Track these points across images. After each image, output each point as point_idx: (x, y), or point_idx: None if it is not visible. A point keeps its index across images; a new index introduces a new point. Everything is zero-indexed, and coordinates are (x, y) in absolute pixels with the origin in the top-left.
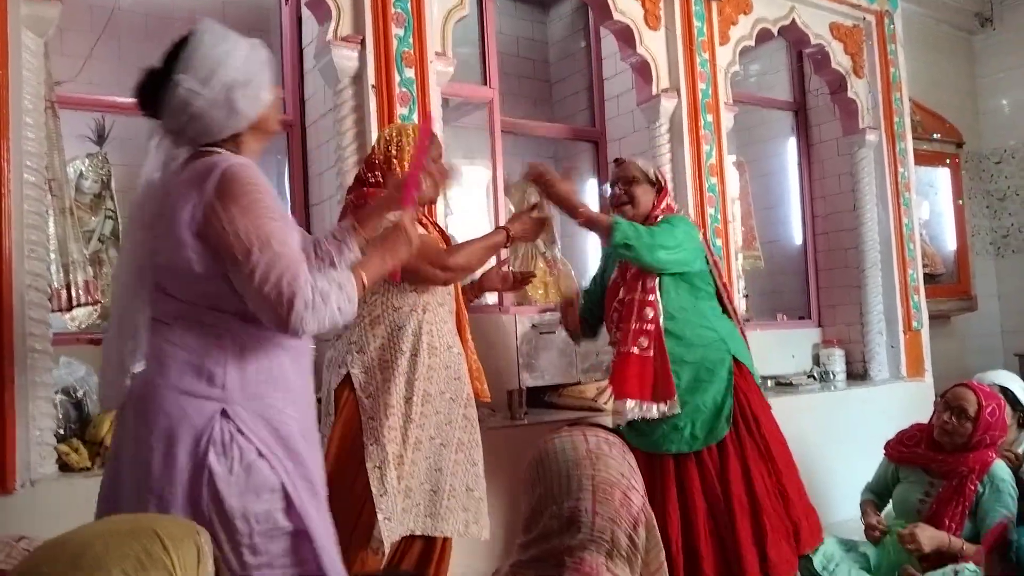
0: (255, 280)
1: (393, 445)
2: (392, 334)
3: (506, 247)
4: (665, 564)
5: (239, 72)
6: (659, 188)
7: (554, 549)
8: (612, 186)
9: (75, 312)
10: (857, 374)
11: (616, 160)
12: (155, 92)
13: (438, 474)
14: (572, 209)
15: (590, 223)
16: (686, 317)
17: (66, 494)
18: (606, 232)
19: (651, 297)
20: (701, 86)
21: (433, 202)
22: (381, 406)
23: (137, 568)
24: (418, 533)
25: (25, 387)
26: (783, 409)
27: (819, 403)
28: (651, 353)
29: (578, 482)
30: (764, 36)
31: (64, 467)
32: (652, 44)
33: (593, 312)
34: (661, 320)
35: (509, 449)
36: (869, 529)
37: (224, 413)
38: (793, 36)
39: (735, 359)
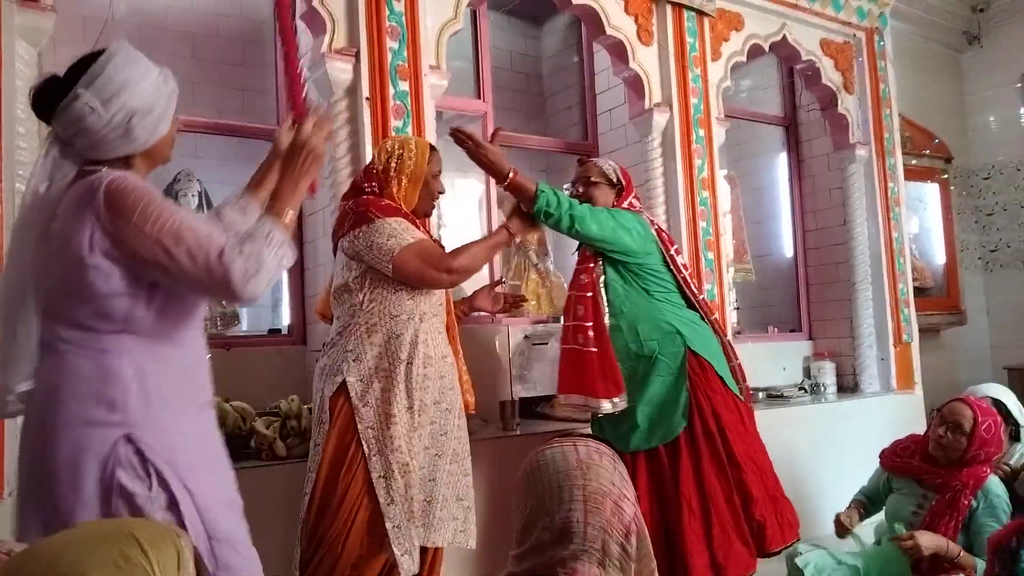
0: (186, 273)
1: (398, 454)
2: (389, 342)
3: (508, 245)
4: (656, 572)
5: (142, 100)
6: (620, 190)
7: (547, 561)
8: (572, 185)
9: None
10: (848, 387)
11: (579, 160)
12: (52, 100)
13: (432, 484)
14: (499, 173)
15: (516, 188)
16: (636, 312)
17: None
18: (530, 198)
19: (588, 294)
20: (693, 101)
21: (428, 215)
22: (382, 416)
23: (115, 573)
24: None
25: None
26: (773, 421)
27: (810, 415)
28: (592, 348)
29: (569, 493)
30: (755, 52)
31: None
32: (645, 59)
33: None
34: (605, 317)
35: (501, 459)
36: (838, 523)
37: (128, 438)
38: (784, 52)
39: (693, 353)
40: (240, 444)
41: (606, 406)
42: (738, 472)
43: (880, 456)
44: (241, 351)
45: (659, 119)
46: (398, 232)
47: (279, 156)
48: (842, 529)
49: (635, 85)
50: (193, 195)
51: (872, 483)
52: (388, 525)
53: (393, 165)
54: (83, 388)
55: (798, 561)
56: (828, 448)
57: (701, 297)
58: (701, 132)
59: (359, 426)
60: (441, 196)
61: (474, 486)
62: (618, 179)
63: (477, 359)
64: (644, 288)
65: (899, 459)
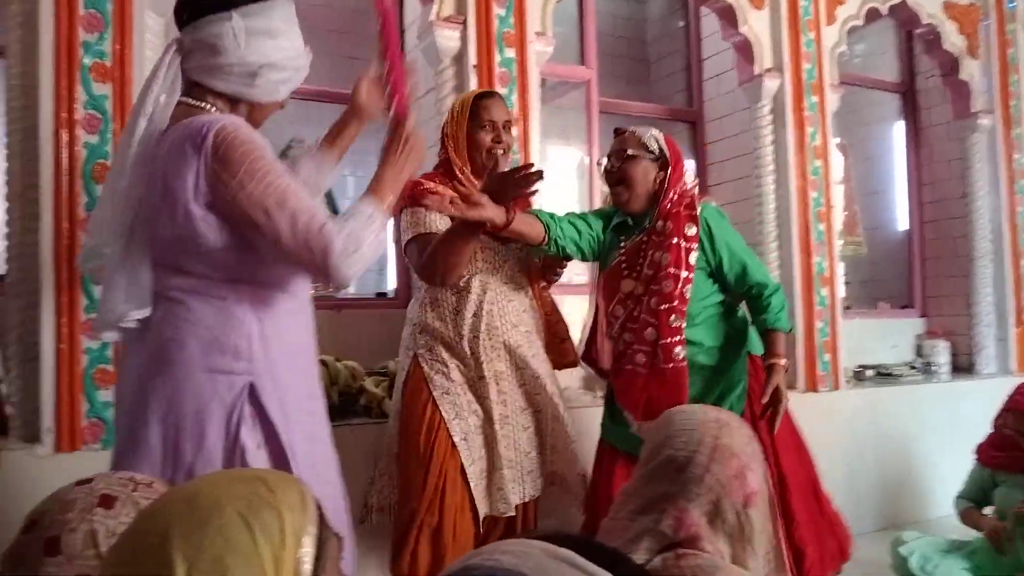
0: (283, 242)
1: (474, 418)
2: (455, 316)
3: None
4: (773, 550)
5: (280, 56)
6: (664, 163)
7: (658, 495)
8: (608, 160)
9: None
10: (962, 367)
11: (616, 130)
12: (200, 10)
13: (539, 438)
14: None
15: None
16: (705, 315)
17: None
18: (784, 336)
19: (684, 308)
20: (806, 66)
21: (489, 168)
22: (455, 380)
23: (248, 507)
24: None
25: None
26: (881, 400)
27: (921, 395)
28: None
29: (700, 437)
30: (872, 15)
31: None
32: (756, 23)
33: (570, 242)
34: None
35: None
36: (993, 534)
37: (251, 387)
38: (903, 15)
39: (754, 357)
40: (351, 401)
41: None
42: (783, 491)
43: (977, 453)
44: (351, 313)
45: (770, 85)
46: (410, 224)
47: (355, 114)
48: (1000, 535)
49: (745, 50)
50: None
51: (974, 484)
52: (471, 482)
53: (447, 128)
54: (207, 336)
55: (902, 550)
56: (939, 430)
57: None
58: (814, 99)
59: (434, 393)
60: (498, 146)
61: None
62: (661, 150)
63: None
64: (713, 286)
65: (1002, 454)
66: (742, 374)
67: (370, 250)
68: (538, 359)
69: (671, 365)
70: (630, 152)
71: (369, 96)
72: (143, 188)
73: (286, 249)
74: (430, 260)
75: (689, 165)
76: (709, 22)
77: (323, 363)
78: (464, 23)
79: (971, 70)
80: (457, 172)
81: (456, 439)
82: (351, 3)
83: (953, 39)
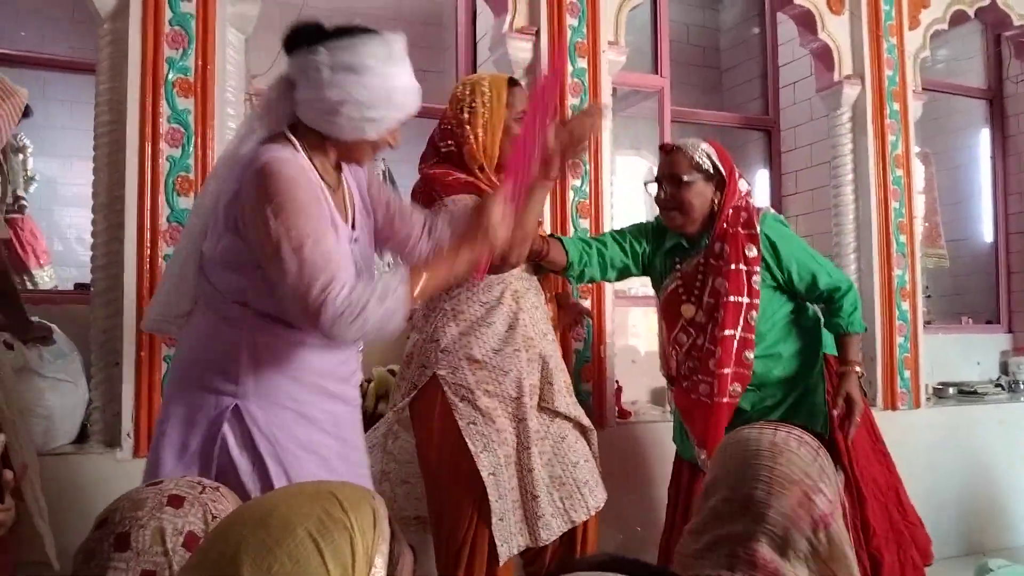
0: (287, 283)
1: (505, 447)
2: (477, 329)
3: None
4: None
5: (366, 94)
6: (720, 180)
7: (724, 537)
8: (657, 183)
9: None
10: None
11: (662, 147)
12: (300, 42)
13: (567, 466)
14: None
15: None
16: (777, 328)
17: None
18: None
19: (751, 336)
20: (888, 72)
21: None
22: (482, 409)
23: (320, 527)
24: (565, 529)
25: None
26: (964, 419)
27: (1008, 414)
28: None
29: (755, 471)
30: (959, 18)
31: None
32: (835, 29)
33: (604, 262)
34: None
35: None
36: None
37: (237, 411)
38: (992, 18)
39: (829, 358)
40: None
41: None
42: (860, 500)
43: None
44: None
45: (849, 92)
46: None
47: (477, 230)
48: None
49: (823, 56)
50: (377, 174)
51: None
52: (494, 518)
53: (466, 116)
54: (203, 352)
55: None
56: None
57: None
58: (895, 106)
59: (460, 423)
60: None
61: (636, 468)
62: (715, 167)
63: (642, 339)
64: (782, 297)
65: None
66: (820, 378)
67: (374, 324)
68: (560, 368)
69: (725, 400)
70: (685, 179)
71: (499, 222)
72: (210, 201)
73: (285, 292)
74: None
75: (760, 175)
76: (785, 29)
77: (392, 372)
78: (537, 34)
79: None
80: (476, 169)
81: (484, 474)
82: (424, 16)
83: None
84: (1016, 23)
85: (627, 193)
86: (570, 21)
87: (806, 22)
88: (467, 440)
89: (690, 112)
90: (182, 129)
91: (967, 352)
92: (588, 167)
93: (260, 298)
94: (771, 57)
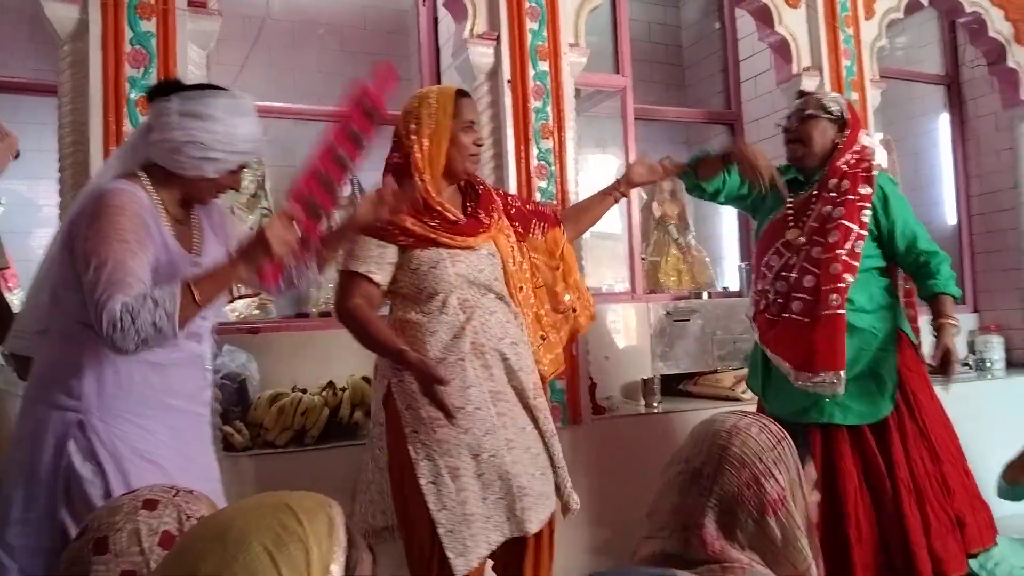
0: (89, 298)
1: (447, 458)
2: (423, 340)
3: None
4: (813, 570)
5: (206, 137)
6: (842, 124)
7: (677, 507)
8: (787, 119)
9: (236, 304)
10: (1018, 362)
11: (799, 91)
12: (157, 95)
13: (510, 475)
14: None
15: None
16: (864, 280)
17: (229, 471)
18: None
19: (856, 263)
20: (845, 63)
21: (466, 174)
22: (426, 419)
23: (275, 540)
24: (506, 536)
25: None
26: None
27: (975, 392)
28: (830, 312)
29: (708, 449)
30: (913, 7)
31: (228, 447)
32: (792, 22)
33: (723, 183)
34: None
35: (641, 437)
36: None
37: (80, 423)
38: (946, 5)
39: (900, 330)
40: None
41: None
42: (938, 462)
43: None
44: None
45: (808, 84)
46: (355, 255)
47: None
48: None
49: (782, 50)
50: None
51: None
52: (440, 531)
53: (413, 127)
54: (50, 371)
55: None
56: (994, 427)
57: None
58: (854, 95)
59: (405, 430)
60: (480, 148)
61: (611, 463)
62: (841, 113)
63: (616, 335)
64: (875, 257)
65: None
66: (892, 344)
67: (147, 330)
68: (526, 372)
69: (828, 312)
70: (810, 112)
71: (278, 237)
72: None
73: (90, 304)
74: (354, 331)
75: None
76: (745, 23)
77: (366, 380)
78: (498, 39)
79: (1019, 57)
80: (418, 179)
81: (423, 482)
82: (387, 25)
83: (999, 26)
84: (968, 10)
85: (597, 187)
86: (530, 25)
87: (763, 16)
88: (409, 448)
89: (654, 109)
90: None
91: None
92: (554, 168)
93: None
94: (732, 52)
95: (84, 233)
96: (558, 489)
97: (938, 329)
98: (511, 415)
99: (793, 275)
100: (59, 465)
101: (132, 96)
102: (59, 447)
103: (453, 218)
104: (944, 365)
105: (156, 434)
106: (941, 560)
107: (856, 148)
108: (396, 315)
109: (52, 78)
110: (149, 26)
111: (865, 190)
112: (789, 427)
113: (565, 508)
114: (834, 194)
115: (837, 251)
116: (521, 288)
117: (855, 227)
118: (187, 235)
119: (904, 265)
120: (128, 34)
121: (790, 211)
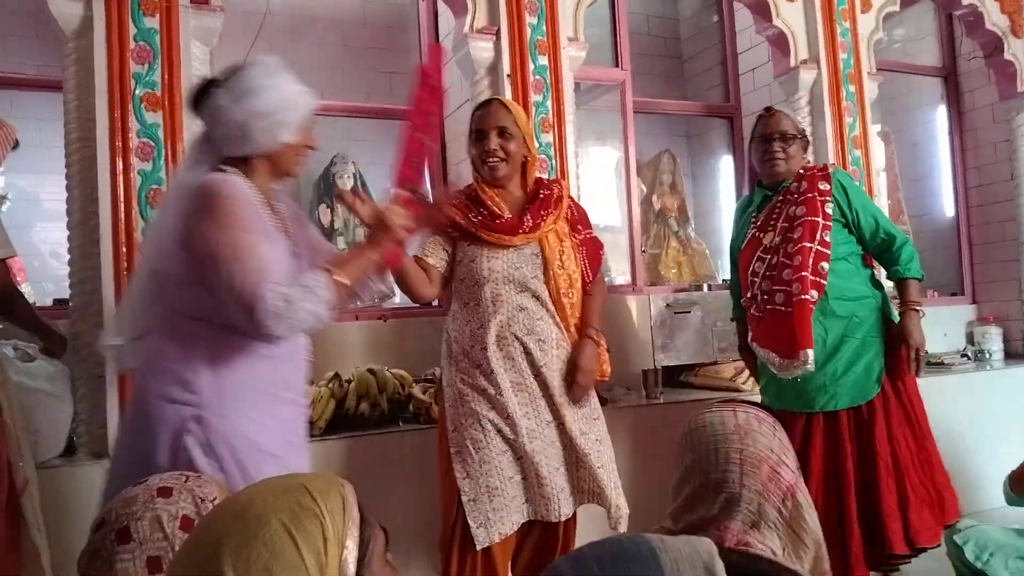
0: (225, 289)
1: (472, 431)
2: (465, 326)
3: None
4: (823, 545)
5: (265, 105)
6: (806, 143)
7: (701, 520)
8: (765, 141)
9: None
10: (1016, 353)
11: (767, 109)
12: (197, 99)
13: (533, 462)
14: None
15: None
16: (843, 269)
17: None
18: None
19: (828, 251)
20: (842, 56)
21: (489, 180)
22: (458, 393)
23: (292, 517)
24: (527, 518)
25: None
26: (933, 389)
27: (974, 383)
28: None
29: (726, 455)
30: (910, 0)
31: None
32: (789, 15)
33: None
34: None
35: (644, 427)
36: None
37: (197, 419)
38: None
39: (887, 316)
40: (400, 408)
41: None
42: (924, 439)
43: None
44: (398, 323)
45: (806, 77)
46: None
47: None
48: None
49: (779, 43)
50: (349, 176)
51: None
52: (464, 498)
53: None
54: (165, 364)
55: (957, 538)
56: (994, 418)
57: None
58: (851, 88)
59: (446, 404)
60: (487, 155)
61: (617, 453)
62: (803, 132)
63: (617, 328)
64: (855, 247)
65: None
66: (876, 332)
67: (305, 317)
68: (550, 369)
69: (797, 298)
70: (790, 133)
71: (397, 219)
72: (162, 224)
73: (226, 299)
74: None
75: (724, 160)
76: (743, 16)
77: (371, 372)
78: (497, 33)
79: (1015, 49)
80: (474, 182)
81: (452, 451)
82: (387, 20)
83: (995, 18)
84: (965, 2)
85: (597, 180)
86: (529, 19)
87: (761, 10)
88: (447, 420)
89: (653, 102)
90: (152, 143)
91: (934, 324)
92: (554, 162)
93: (215, 311)
94: (730, 44)
95: (201, 227)
96: (596, 495)
97: (901, 317)
98: (534, 407)
99: (774, 272)
100: (176, 459)
101: (137, 92)
102: (175, 441)
103: (497, 212)
104: (907, 353)
105: (269, 426)
106: (918, 531)
107: (806, 160)
108: (455, 303)
109: (55, 74)
110: (153, 23)
111: (824, 186)
112: (791, 417)
113: (609, 514)
114: (796, 195)
115: (805, 243)
116: (567, 293)
117: (819, 219)
118: (281, 222)
119: (871, 251)
120: (132, 31)
121: (756, 225)
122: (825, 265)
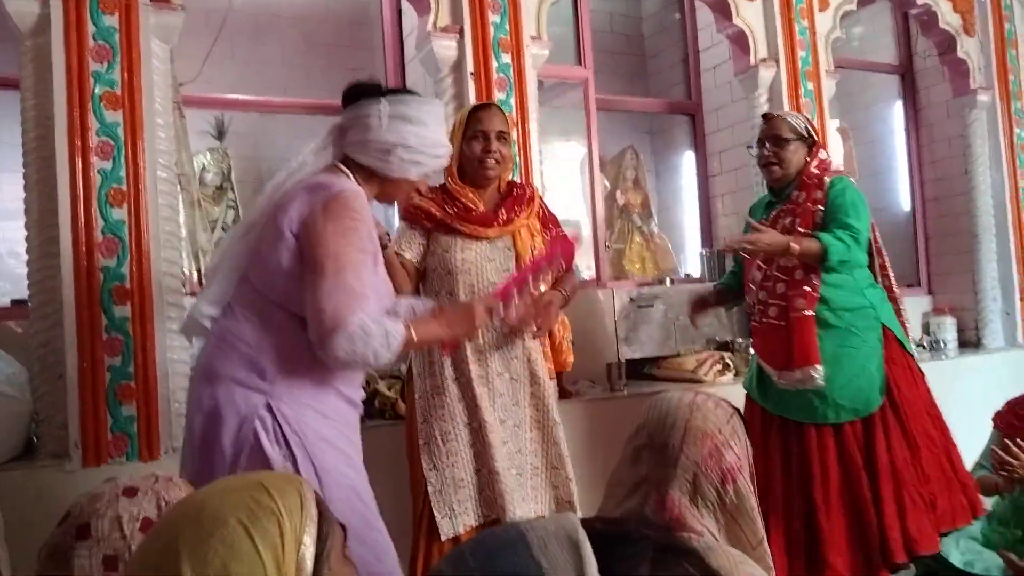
0: (317, 295)
1: (440, 423)
2: None
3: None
4: (765, 543)
5: (416, 142)
6: (811, 143)
7: (643, 479)
8: (759, 145)
9: None
10: (970, 342)
11: (765, 115)
12: (360, 95)
13: (541, 448)
14: (783, 250)
15: (804, 255)
16: (837, 281)
17: None
18: (820, 258)
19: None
20: (801, 54)
21: (481, 182)
22: (429, 387)
23: (249, 514)
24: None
25: (164, 364)
26: None
27: (929, 372)
28: (797, 315)
29: (673, 422)
30: None
31: None
32: (748, 14)
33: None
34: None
35: (607, 420)
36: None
37: (268, 407)
38: None
39: (884, 327)
40: (365, 404)
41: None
42: (916, 449)
43: (995, 419)
44: None
45: (765, 75)
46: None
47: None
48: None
49: (739, 41)
50: None
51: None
52: (429, 489)
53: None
54: (242, 348)
55: None
56: (949, 406)
57: (885, 272)
58: (810, 86)
59: (415, 395)
60: (488, 156)
61: (580, 446)
62: (809, 133)
63: (582, 321)
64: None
65: (1019, 422)
66: (876, 340)
67: (370, 354)
68: (520, 360)
69: (795, 315)
70: (784, 135)
71: (480, 322)
72: (262, 219)
73: (315, 302)
74: None
75: (687, 157)
76: (704, 14)
77: None
78: (461, 31)
79: (968, 47)
80: (447, 180)
81: (420, 443)
82: (350, 16)
83: (948, 18)
84: (919, 1)
85: (561, 177)
86: (492, 18)
87: (721, 8)
88: (416, 411)
89: (616, 99)
90: (112, 142)
91: None
92: (518, 159)
93: (301, 306)
94: (692, 42)
95: (323, 230)
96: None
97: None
98: (501, 401)
99: (769, 284)
100: (240, 444)
101: (96, 91)
102: (241, 427)
103: (471, 207)
104: (736, 240)
105: (333, 421)
106: (915, 541)
107: (816, 162)
108: (426, 295)
109: (11, 72)
110: (112, 21)
111: (817, 195)
112: (785, 424)
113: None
114: (793, 205)
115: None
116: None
117: (811, 231)
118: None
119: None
120: (91, 29)
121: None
122: (816, 279)
